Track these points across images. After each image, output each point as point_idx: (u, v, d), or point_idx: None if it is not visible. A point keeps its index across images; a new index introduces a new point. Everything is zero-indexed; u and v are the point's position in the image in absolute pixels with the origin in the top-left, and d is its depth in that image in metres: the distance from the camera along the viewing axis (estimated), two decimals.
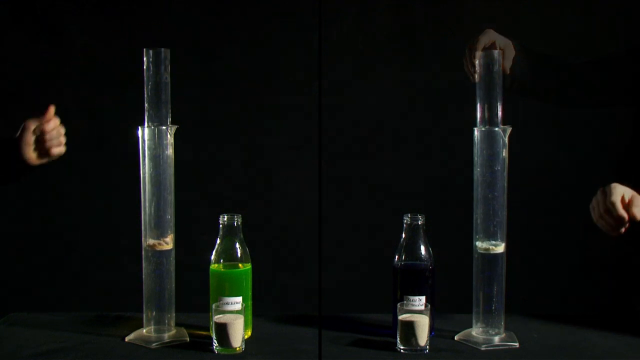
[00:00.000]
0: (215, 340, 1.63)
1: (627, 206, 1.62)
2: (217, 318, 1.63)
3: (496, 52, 1.68)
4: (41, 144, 1.76)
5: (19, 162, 1.76)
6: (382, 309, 1.84)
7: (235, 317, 1.63)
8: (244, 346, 1.64)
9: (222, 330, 1.61)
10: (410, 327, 1.62)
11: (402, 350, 1.63)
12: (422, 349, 1.63)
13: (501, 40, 1.81)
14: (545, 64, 1.91)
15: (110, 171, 2.70)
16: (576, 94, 1.95)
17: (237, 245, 1.72)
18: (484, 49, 1.76)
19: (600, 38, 2.70)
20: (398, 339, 1.64)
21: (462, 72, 1.83)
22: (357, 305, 2.46)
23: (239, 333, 1.62)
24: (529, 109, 2.62)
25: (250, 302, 1.73)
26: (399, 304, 1.64)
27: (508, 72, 1.82)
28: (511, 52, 1.82)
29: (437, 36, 2.70)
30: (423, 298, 1.69)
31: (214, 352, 1.63)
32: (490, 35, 1.80)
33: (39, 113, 1.75)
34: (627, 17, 2.69)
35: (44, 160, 1.79)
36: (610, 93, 1.95)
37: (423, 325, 1.62)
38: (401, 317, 1.63)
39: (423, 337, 1.62)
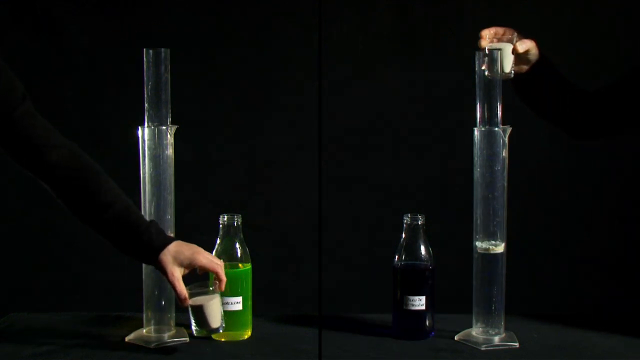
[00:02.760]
0: (193, 323, 1.61)
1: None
2: (192, 301, 1.59)
3: (496, 52, 1.68)
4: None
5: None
6: (382, 309, 1.83)
7: (210, 297, 1.60)
8: (224, 324, 1.62)
9: (199, 312, 1.59)
10: None
11: None
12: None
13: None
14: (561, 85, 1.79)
15: (110, 171, 2.69)
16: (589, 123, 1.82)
17: (237, 245, 1.71)
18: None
19: (601, 38, 2.70)
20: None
21: (462, 72, 1.82)
22: (357, 305, 2.47)
23: (217, 312, 1.59)
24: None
25: (250, 302, 1.73)
26: None
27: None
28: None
29: (437, 36, 2.70)
30: (423, 298, 1.69)
31: (193, 334, 1.64)
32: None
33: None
34: (627, 17, 2.69)
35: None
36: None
37: None
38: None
39: None
